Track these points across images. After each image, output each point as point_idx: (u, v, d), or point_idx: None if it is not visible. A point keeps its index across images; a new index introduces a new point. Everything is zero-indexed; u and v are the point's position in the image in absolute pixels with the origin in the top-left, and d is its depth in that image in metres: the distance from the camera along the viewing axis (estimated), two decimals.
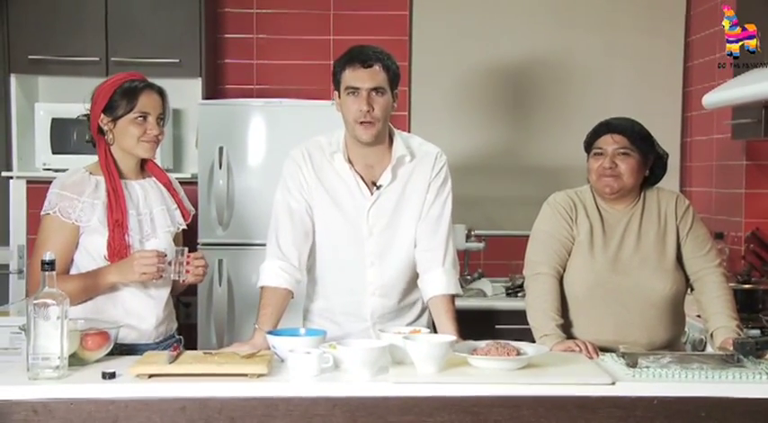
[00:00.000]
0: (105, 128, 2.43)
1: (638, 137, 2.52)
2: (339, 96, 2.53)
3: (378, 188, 2.54)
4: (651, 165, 2.56)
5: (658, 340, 2.49)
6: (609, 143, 2.52)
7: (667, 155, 2.60)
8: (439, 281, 2.53)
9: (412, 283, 2.60)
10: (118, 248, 2.37)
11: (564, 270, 2.53)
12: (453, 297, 2.55)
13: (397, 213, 2.54)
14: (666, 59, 4.27)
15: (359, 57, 2.48)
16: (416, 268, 2.58)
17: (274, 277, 2.49)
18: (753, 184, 3.66)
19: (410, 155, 2.56)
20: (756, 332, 2.89)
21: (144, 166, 2.54)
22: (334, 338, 2.33)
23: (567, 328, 2.48)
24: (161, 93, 2.48)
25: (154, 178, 2.54)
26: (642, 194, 2.58)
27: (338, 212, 2.54)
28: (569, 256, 2.53)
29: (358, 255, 2.53)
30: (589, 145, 2.58)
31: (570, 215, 2.55)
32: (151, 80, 2.53)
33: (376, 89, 2.46)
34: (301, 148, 2.59)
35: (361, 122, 2.46)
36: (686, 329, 3.05)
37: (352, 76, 2.47)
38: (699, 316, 2.62)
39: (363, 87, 2.46)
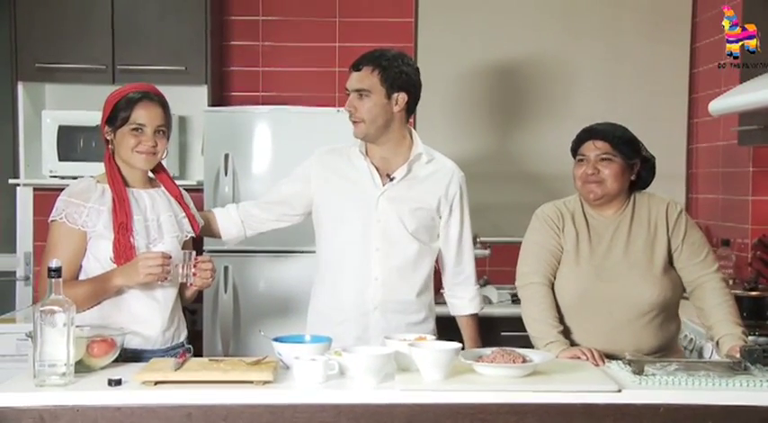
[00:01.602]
0: (108, 138, 2.47)
1: (620, 141, 2.52)
2: None
3: (391, 180, 2.65)
4: (638, 169, 2.55)
5: (646, 347, 2.45)
6: (591, 149, 2.52)
7: (654, 158, 2.59)
8: (469, 301, 2.78)
9: (420, 284, 2.68)
10: (123, 250, 2.37)
11: (555, 279, 2.53)
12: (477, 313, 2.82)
13: (406, 206, 2.65)
14: (672, 66, 4.26)
15: (356, 61, 2.65)
16: (442, 284, 2.80)
17: (231, 224, 2.79)
18: (759, 190, 3.64)
19: (428, 157, 2.70)
20: (764, 339, 2.88)
21: (155, 177, 2.56)
22: (336, 323, 2.60)
23: (565, 336, 2.47)
24: (162, 104, 2.48)
25: (163, 188, 2.55)
26: (632, 200, 2.57)
27: (350, 198, 2.67)
28: (559, 265, 2.54)
29: (364, 240, 2.64)
30: (574, 151, 2.58)
31: (558, 225, 2.56)
32: (157, 87, 2.54)
33: (358, 91, 2.62)
34: (328, 146, 2.79)
35: (353, 121, 2.65)
36: (693, 337, 3.04)
37: (349, 79, 2.66)
38: None
39: (350, 89, 2.65)
